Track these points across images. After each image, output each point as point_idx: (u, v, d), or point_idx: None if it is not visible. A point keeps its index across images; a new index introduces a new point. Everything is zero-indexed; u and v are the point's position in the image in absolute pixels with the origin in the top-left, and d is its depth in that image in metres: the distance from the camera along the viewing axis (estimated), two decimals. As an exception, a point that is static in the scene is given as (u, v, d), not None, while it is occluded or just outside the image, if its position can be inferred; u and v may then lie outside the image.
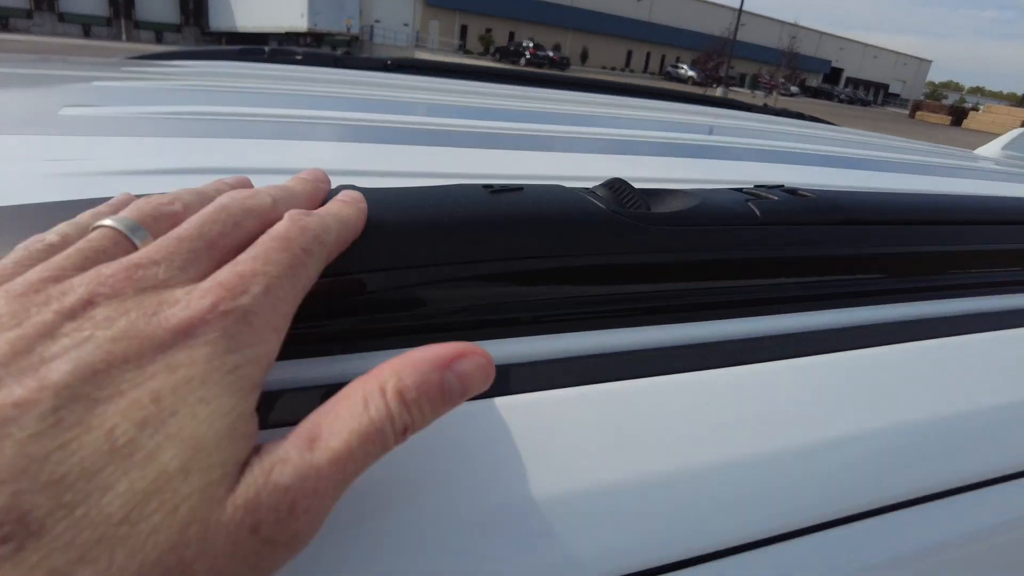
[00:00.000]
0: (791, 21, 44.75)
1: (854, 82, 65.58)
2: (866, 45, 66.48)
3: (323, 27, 23.85)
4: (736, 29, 27.34)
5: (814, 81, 57.33)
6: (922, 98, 63.53)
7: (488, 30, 42.35)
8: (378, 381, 0.17)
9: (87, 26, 29.82)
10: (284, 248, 0.19)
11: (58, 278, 0.17)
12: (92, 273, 0.17)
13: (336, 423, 0.17)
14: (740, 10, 26.73)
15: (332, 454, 0.16)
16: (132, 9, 30.98)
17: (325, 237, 0.21)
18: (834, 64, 63.43)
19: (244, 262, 0.18)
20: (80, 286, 0.16)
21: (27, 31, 27.89)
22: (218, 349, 0.16)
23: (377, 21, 36.78)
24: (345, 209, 0.23)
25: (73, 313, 0.16)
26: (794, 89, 45.02)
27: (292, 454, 0.16)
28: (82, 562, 0.12)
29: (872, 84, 67.37)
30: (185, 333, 0.16)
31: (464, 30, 41.89)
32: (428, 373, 0.18)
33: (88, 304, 0.16)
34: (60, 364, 0.14)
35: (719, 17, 41.67)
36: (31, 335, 0.15)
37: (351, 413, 0.17)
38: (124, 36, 30.38)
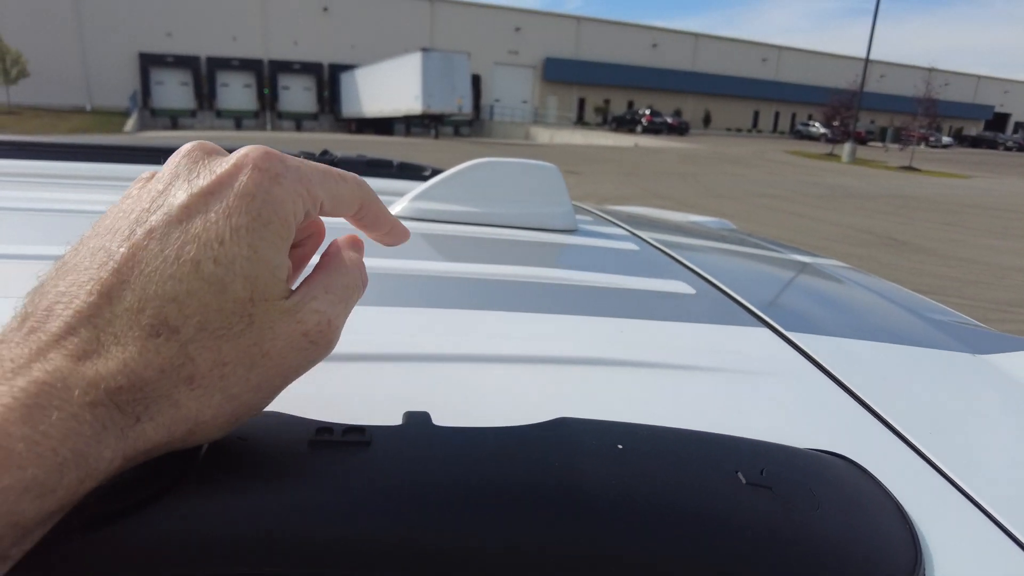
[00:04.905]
0: (927, 66, 40.56)
1: (1025, 128, 58.66)
2: (1038, 87, 59.66)
3: (436, 108, 25.04)
4: (864, 79, 25.21)
5: (973, 129, 51.91)
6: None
7: (606, 101, 42.73)
8: (348, 258, 0.29)
9: (239, 119, 33.61)
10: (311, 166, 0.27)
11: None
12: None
13: (335, 279, 0.27)
14: (867, 59, 24.78)
15: (339, 294, 0.27)
16: (276, 103, 34.57)
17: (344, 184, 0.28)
18: (998, 109, 57.36)
19: None
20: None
21: (191, 127, 31.85)
22: (255, 204, 0.24)
23: (497, 100, 38.33)
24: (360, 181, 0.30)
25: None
26: (946, 139, 40.82)
27: (318, 292, 0.26)
28: (202, 348, 0.22)
29: (1049, 129, 59.86)
30: (226, 179, 0.24)
31: (582, 103, 42.54)
32: (358, 260, 0.29)
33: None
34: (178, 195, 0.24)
35: (853, 69, 38.96)
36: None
37: (341, 275, 0.27)
38: (269, 126, 33.83)
